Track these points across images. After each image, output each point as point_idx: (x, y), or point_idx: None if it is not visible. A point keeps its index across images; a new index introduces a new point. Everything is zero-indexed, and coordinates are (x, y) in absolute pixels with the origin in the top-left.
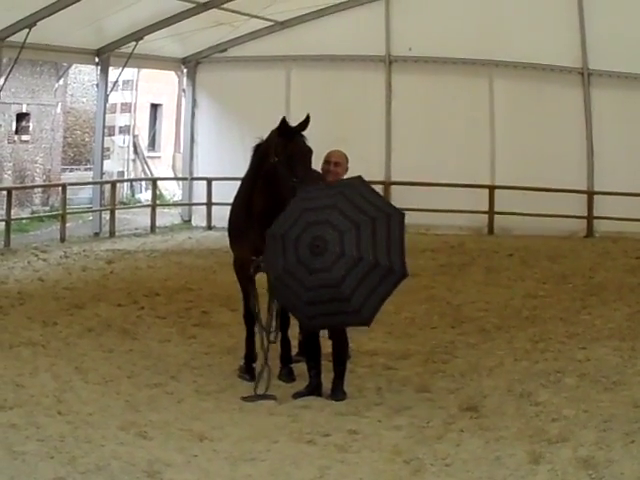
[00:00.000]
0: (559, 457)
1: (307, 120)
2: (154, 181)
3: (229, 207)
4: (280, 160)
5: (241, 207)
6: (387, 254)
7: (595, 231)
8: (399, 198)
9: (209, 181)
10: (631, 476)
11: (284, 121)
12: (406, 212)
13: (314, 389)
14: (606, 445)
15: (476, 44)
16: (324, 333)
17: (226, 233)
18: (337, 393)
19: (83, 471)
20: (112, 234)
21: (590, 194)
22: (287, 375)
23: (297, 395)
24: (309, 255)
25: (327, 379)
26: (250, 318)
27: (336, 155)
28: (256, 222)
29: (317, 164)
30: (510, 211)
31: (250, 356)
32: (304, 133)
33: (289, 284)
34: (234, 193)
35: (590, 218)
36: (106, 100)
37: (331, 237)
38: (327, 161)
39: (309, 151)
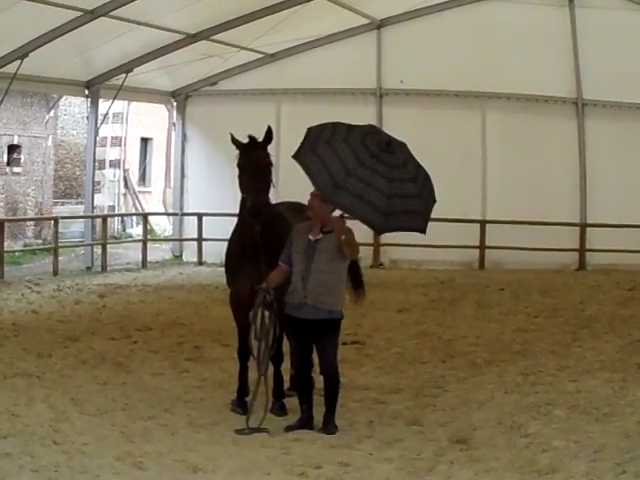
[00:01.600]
0: None
1: (268, 133)
2: (145, 216)
3: (220, 242)
4: (238, 173)
5: (237, 238)
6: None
7: (587, 264)
8: (389, 234)
9: (200, 216)
10: None
11: (232, 138)
12: (395, 248)
13: (306, 422)
14: (597, 476)
15: (468, 76)
16: (316, 368)
17: (217, 269)
18: (329, 426)
19: None
20: (104, 268)
21: (582, 227)
22: (279, 409)
23: (289, 428)
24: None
25: (319, 413)
26: (244, 353)
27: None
28: (251, 253)
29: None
30: (501, 245)
31: (243, 390)
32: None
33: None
34: (225, 229)
35: (582, 251)
36: (96, 133)
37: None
38: (311, 194)
39: (258, 162)
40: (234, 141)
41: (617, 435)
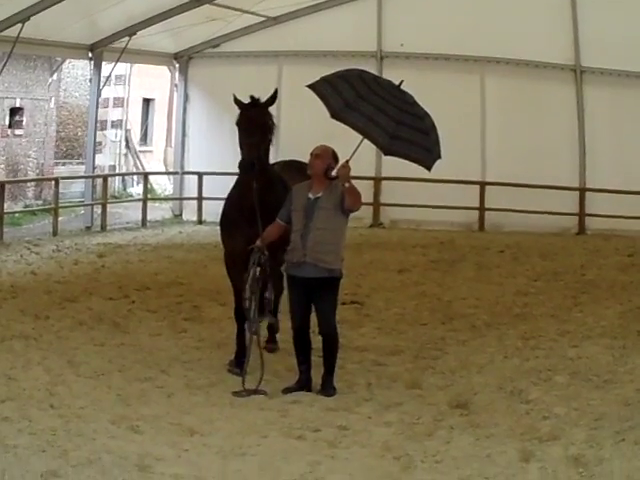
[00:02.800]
0: (550, 455)
1: (274, 95)
2: (145, 175)
3: (220, 201)
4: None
5: (234, 197)
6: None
7: (587, 228)
8: (389, 193)
9: (200, 175)
10: (621, 474)
11: (235, 99)
12: (396, 207)
13: (304, 384)
14: (596, 443)
15: (468, 41)
16: (314, 328)
17: (216, 228)
18: (327, 389)
19: (75, 464)
20: (104, 228)
21: (582, 191)
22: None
23: (287, 390)
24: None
25: (317, 374)
26: (241, 314)
27: (317, 149)
28: (247, 212)
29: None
30: (501, 207)
31: (240, 351)
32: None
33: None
34: (225, 188)
35: (582, 215)
36: (99, 95)
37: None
38: (310, 154)
39: (254, 120)
40: (236, 101)
41: (617, 403)
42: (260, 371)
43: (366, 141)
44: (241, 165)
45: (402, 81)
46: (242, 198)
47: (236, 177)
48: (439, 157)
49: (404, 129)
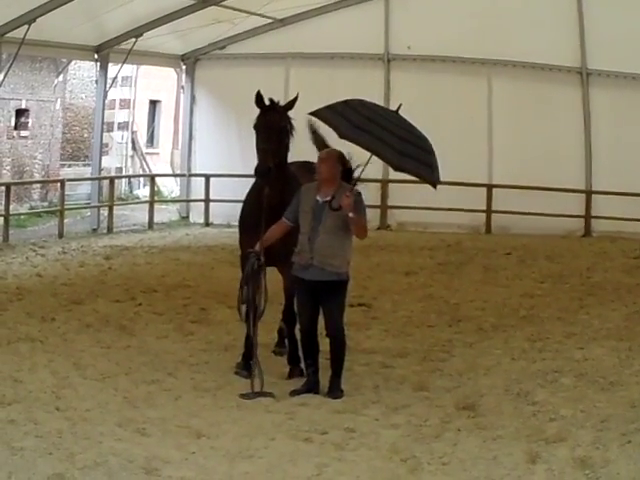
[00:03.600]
0: (556, 457)
1: (294, 99)
2: (152, 177)
3: (227, 204)
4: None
5: (252, 198)
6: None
7: (593, 230)
8: (397, 196)
9: (207, 177)
10: (627, 476)
11: (257, 96)
12: (403, 210)
13: (311, 387)
14: (603, 445)
15: (475, 43)
16: (322, 331)
17: (224, 230)
18: (334, 391)
19: (81, 467)
20: (110, 230)
21: (588, 193)
22: (300, 374)
23: (294, 393)
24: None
25: (324, 377)
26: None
27: (324, 153)
28: (267, 214)
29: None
30: (508, 210)
31: (248, 354)
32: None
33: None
34: (232, 190)
35: (588, 217)
36: (105, 96)
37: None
38: (318, 157)
39: (271, 125)
40: (258, 101)
41: (623, 405)
42: (258, 370)
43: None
44: (257, 170)
45: (400, 105)
46: (257, 202)
47: (242, 179)
48: (439, 181)
49: (410, 147)
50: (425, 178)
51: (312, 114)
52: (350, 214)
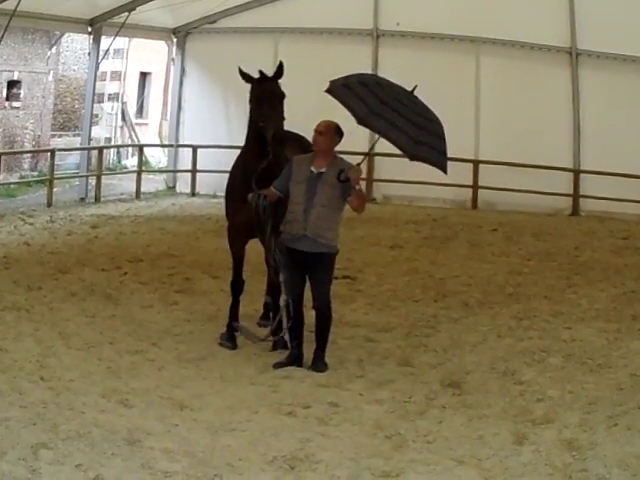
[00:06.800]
0: (543, 438)
1: (280, 67)
2: (140, 147)
3: (213, 174)
4: (252, 105)
5: (238, 169)
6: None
7: (581, 210)
8: (383, 169)
9: (194, 148)
10: (614, 458)
11: (240, 72)
12: (388, 184)
13: (295, 359)
14: (590, 427)
15: (464, 21)
16: (307, 302)
17: (210, 200)
18: (318, 364)
19: (64, 438)
20: (98, 199)
21: (576, 172)
22: (283, 345)
23: (278, 365)
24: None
25: (308, 350)
26: (237, 285)
27: (322, 125)
28: (254, 184)
29: (309, 134)
30: (495, 186)
31: (233, 324)
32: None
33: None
34: (218, 160)
35: (576, 196)
36: (97, 68)
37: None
38: (314, 130)
39: (274, 92)
40: (243, 75)
41: (610, 387)
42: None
43: (349, 117)
44: (275, 139)
45: (415, 86)
46: (249, 169)
47: (228, 150)
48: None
49: (424, 134)
50: (436, 164)
51: (328, 91)
52: (357, 186)
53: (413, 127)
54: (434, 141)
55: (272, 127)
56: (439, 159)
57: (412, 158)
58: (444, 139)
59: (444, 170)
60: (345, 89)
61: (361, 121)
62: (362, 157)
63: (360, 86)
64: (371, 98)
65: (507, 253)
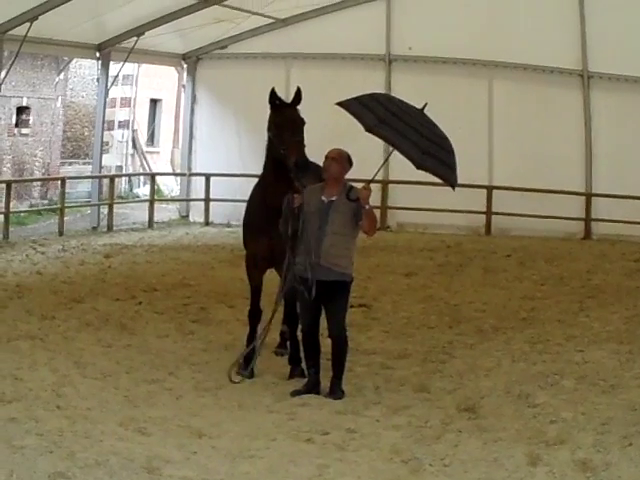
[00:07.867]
0: (557, 459)
1: (298, 93)
2: (152, 176)
3: (227, 203)
4: (272, 132)
5: (257, 198)
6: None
7: (593, 233)
8: (397, 197)
9: (207, 177)
10: (628, 478)
11: (272, 93)
12: (403, 211)
13: (312, 387)
14: (604, 448)
15: (476, 45)
16: (323, 331)
17: (224, 229)
18: (336, 391)
19: (82, 466)
20: (110, 228)
21: (588, 196)
22: (301, 375)
23: (295, 393)
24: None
25: (325, 378)
26: (255, 315)
27: (333, 152)
28: (273, 214)
29: (320, 160)
30: (508, 212)
31: (250, 353)
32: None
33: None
34: (232, 189)
35: (588, 220)
36: (106, 94)
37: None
38: (325, 157)
39: (295, 119)
40: (272, 98)
41: (623, 407)
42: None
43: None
44: (300, 165)
45: (426, 104)
46: (267, 198)
47: (242, 178)
48: (457, 183)
49: (433, 147)
50: (444, 178)
51: (339, 104)
52: (366, 206)
53: (422, 139)
54: (443, 155)
55: (294, 155)
56: (446, 173)
57: (419, 167)
58: (453, 154)
59: (452, 185)
60: (356, 102)
61: (369, 129)
62: (373, 176)
63: (371, 100)
64: (381, 110)
65: (521, 278)
